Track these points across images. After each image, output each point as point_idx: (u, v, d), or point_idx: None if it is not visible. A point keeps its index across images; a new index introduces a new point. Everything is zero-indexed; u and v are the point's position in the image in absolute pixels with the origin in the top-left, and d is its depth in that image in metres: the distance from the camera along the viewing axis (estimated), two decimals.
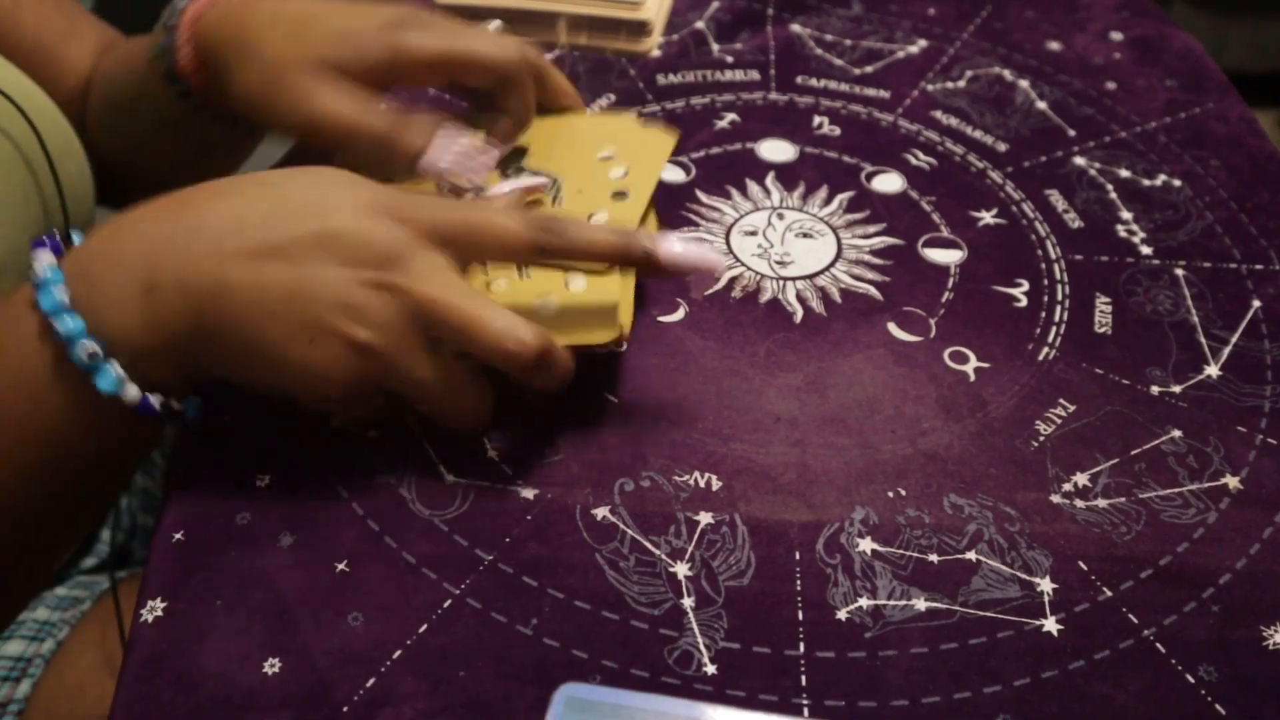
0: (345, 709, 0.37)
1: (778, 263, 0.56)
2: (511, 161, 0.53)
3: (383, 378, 0.40)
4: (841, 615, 0.41)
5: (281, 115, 0.48)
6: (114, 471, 0.45)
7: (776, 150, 0.64)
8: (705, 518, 0.44)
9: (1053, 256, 0.57)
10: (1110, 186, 0.62)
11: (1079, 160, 0.64)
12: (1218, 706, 0.38)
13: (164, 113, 0.56)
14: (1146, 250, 0.58)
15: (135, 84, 0.56)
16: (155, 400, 0.40)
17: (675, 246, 0.43)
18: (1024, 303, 0.54)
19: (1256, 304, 0.55)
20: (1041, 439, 0.48)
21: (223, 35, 0.50)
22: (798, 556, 0.43)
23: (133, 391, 0.39)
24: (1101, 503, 0.45)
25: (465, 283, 0.40)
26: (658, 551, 0.43)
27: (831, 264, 0.56)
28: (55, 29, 0.60)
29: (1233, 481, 0.46)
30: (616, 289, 0.45)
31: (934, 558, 0.43)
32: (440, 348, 0.41)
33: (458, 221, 0.41)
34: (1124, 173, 0.63)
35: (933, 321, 0.53)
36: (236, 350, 0.39)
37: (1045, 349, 0.52)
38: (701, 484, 0.45)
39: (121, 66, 0.59)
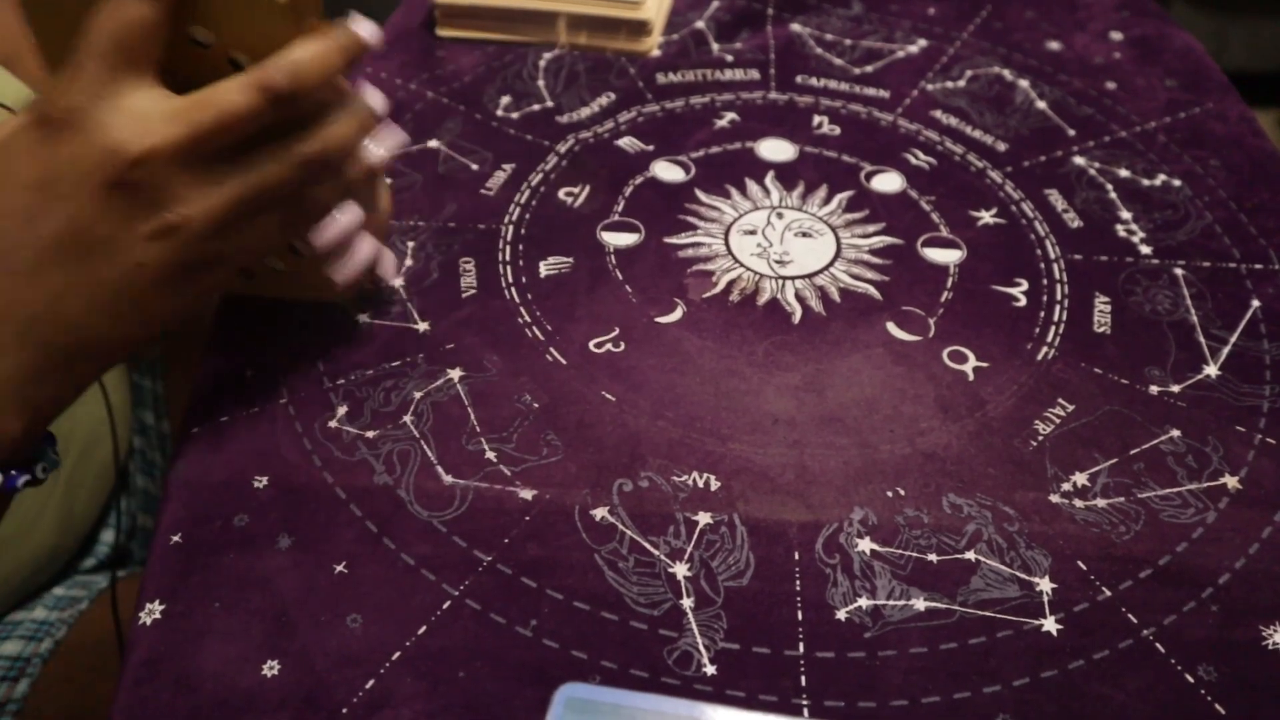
0: (344, 711, 0.37)
1: (777, 262, 0.56)
2: None
3: (203, 240, 0.38)
4: (841, 615, 0.41)
5: None
6: None
7: (776, 150, 0.64)
8: (704, 518, 0.44)
9: (1052, 256, 0.57)
10: (1110, 186, 0.62)
11: (1078, 160, 0.64)
12: (1217, 706, 0.38)
13: None
14: (1146, 250, 0.58)
15: None
16: (22, 479, 0.40)
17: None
18: (1023, 302, 0.54)
19: (1256, 303, 0.54)
20: (1040, 439, 0.48)
21: None
22: (797, 557, 0.43)
23: None
24: (1100, 502, 0.45)
25: (175, 99, 0.37)
26: (657, 552, 0.43)
27: (830, 263, 0.56)
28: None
29: (1232, 481, 0.46)
30: None
31: (933, 557, 0.43)
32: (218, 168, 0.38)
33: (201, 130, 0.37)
34: (1124, 172, 0.63)
35: (932, 321, 0.53)
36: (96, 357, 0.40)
37: (1044, 349, 0.52)
38: (700, 484, 0.45)
39: None
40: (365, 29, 0.41)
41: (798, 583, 0.42)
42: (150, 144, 0.36)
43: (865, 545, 0.43)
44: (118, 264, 0.37)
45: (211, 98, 0.37)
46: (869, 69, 0.71)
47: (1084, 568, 0.43)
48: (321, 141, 0.40)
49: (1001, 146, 0.65)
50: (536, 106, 0.67)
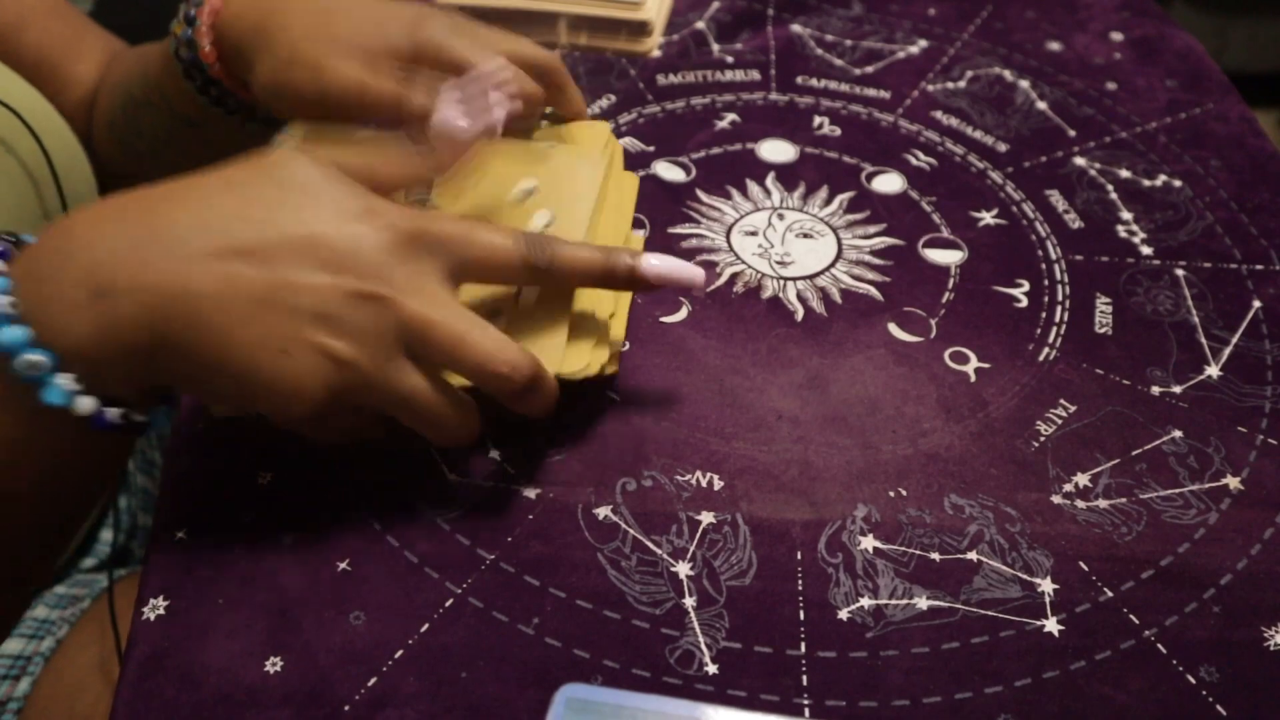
0: (346, 708, 0.37)
1: (778, 263, 0.56)
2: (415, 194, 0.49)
3: (360, 394, 0.38)
4: (843, 615, 0.41)
5: (297, 90, 0.47)
6: (75, 489, 0.41)
7: (777, 150, 0.64)
8: (707, 517, 0.44)
9: (1053, 257, 0.57)
10: (1110, 187, 0.62)
11: (1079, 160, 0.64)
12: (1219, 707, 0.38)
13: (179, 112, 0.55)
14: (1147, 250, 0.58)
15: (151, 86, 0.56)
16: (113, 414, 0.37)
17: (653, 260, 0.43)
18: (1024, 303, 0.54)
19: (1257, 304, 0.55)
20: (1042, 439, 0.48)
21: (246, 23, 0.49)
22: (799, 556, 0.43)
23: (86, 404, 0.36)
24: (1102, 503, 0.45)
25: (453, 298, 0.39)
26: (659, 551, 0.43)
27: (832, 264, 0.56)
28: (61, 43, 0.60)
29: (1233, 482, 0.46)
30: (607, 308, 0.46)
31: (935, 556, 0.43)
32: (422, 363, 0.39)
33: (447, 232, 0.39)
34: (1124, 173, 0.63)
35: (933, 322, 0.53)
36: (199, 361, 0.36)
37: (1046, 349, 0.52)
38: (703, 483, 0.45)
39: (133, 72, 0.58)
40: (669, 268, 0.43)
41: (800, 582, 0.42)
42: (432, 226, 0.39)
43: (868, 543, 0.43)
44: (302, 293, 0.36)
45: (484, 229, 0.40)
46: (869, 70, 0.71)
47: (1086, 568, 0.43)
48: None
49: (1002, 147, 0.65)
50: None
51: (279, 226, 0.36)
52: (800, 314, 0.53)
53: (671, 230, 0.58)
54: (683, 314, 0.53)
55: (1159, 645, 0.40)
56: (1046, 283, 0.56)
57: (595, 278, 0.42)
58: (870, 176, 0.62)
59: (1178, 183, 0.63)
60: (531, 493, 0.45)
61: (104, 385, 0.36)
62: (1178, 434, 0.48)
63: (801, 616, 0.41)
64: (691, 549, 0.43)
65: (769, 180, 0.62)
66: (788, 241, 0.57)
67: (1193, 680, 0.39)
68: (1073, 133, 0.66)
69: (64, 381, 0.35)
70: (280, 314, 0.36)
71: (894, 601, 0.41)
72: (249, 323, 0.35)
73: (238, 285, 0.35)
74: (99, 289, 0.35)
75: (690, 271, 0.43)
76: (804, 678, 0.39)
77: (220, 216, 0.36)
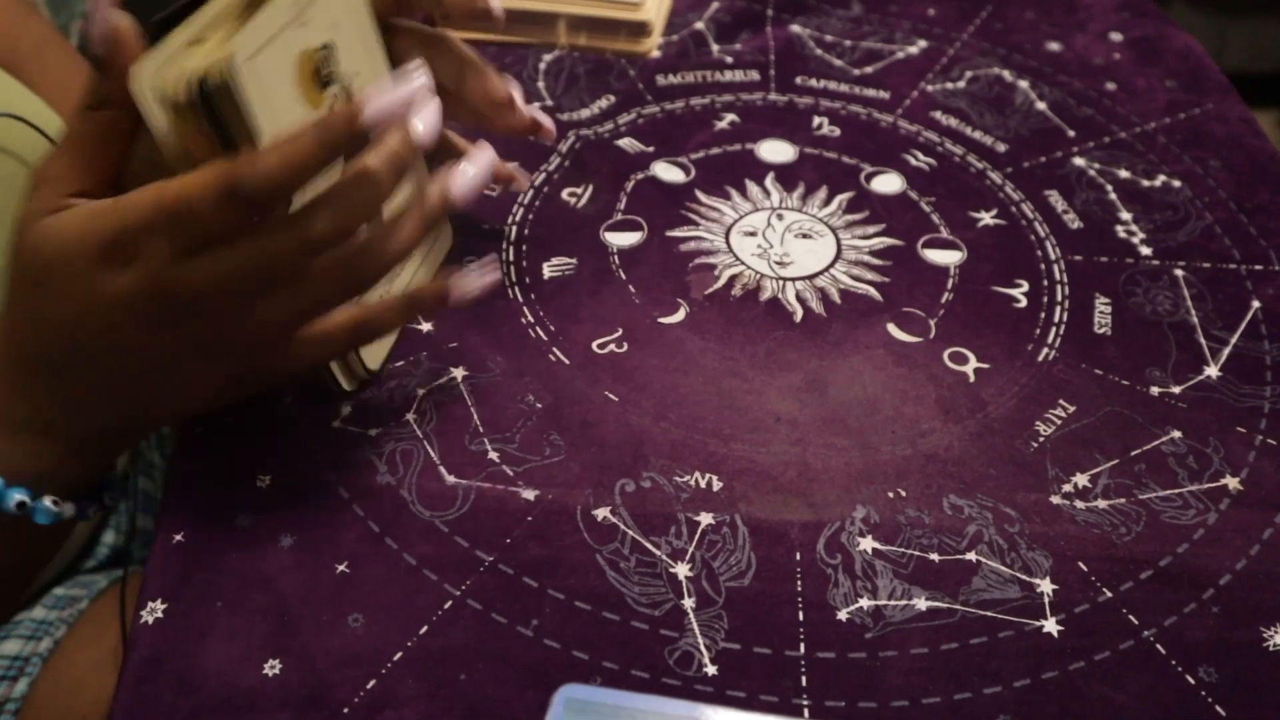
0: (346, 710, 0.37)
1: (777, 263, 0.56)
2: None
3: (259, 377, 0.41)
4: (842, 616, 0.41)
5: None
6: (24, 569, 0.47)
7: (776, 151, 0.64)
8: (706, 518, 0.44)
9: (1052, 257, 0.57)
10: (1110, 187, 0.62)
11: (1078, 161, 0.64)
12: (1218, 708, 0.38)
13: None
14: (1146, 251, 0.58)
15: None
16: (89, 508, 0.43)
17: (374, 102, 0.36)
18: (1023, 303, 0.54)
19: (1256, 304, 0.55)
20: (1041, 440, 0.48)
21: None
22: (798, 557, 0.43)
23: (69, 510, 0.42)
24: (1101, 503, 0.45)
25: (193, 263, 0.36)
26: (658, 552, 0.43)
27: (831, 265, 0.56)
28: (74, 75, 0.60)
29: (1232, 482, 0.46)
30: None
31: (934, 557, 0.43)
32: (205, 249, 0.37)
33: (141, 221, 0.36)
34: (1124, 173, 0.63)
35: (932, 322, 0.53)
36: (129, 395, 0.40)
37: (1045, 350, 0.52)
38: (702, 484, 0.45)
39: None
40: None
41: (799, 583, 0.42)
42: (149, 231, 0.36)
43: (867, 544, 0.43)
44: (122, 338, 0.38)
45: (166, 191, 0.36)
46: (869, 70, 0.71)
47: (1085, 569, 0.43)
48: (330, 221, 0.37)
49: (1001, 147, 0.65)
50: (537, 105, 0.67)
51: (50, 324, 0.38)
52: (799, 315, 0.53)
53: (671, 234, 0.58)
54: (681, 315, 0.53)
55: (1158, 645, 0.40)
56: (1046, 283, 0.56)
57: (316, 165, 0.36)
58: (869, 177, 0.62)
59: (1177, 183, 0.63)
60: (530, 494, 0.45)
61: (66, 482, 0.42)
62: (1177, 434, 0.48)
63: (800, 617, 0.41)
64: (690, 550, 0.43)
65: (768, 181, 0.62)
66: (787, 242, 0.57)
67: (1192, 681, 0.39)
68: (1072, 133, 0.66)
69: (46, 504, 0.41)
70: (131, 376, 0.39)
71: (893, 602, 0.41)
72: (134, 380, 0.39)
73: (74, 390, 0.39)
74: (10, 428, 0.40)
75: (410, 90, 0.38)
76: (803, 678, 0.39)
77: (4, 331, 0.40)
